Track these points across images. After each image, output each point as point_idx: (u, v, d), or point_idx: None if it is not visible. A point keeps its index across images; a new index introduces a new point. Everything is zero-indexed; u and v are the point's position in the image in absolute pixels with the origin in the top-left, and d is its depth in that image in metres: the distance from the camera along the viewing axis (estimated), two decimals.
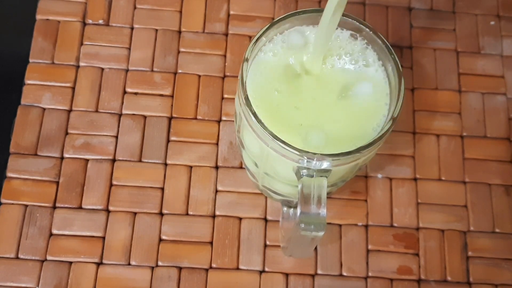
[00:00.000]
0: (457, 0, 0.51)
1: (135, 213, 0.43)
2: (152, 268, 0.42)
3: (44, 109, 0.45)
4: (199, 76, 0.47)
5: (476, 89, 0.48)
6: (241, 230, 0.43)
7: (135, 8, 0.48)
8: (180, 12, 0.49)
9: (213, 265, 0.42)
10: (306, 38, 0.37)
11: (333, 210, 0.44)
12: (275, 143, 0.33)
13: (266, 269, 0.42)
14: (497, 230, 0.44)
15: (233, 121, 0.45)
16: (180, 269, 0.42)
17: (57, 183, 0.43)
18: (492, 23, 0.50)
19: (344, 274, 0.42)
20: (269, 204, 0.44)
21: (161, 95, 0.46)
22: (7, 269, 0.41)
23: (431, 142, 0.46)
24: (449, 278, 0.43)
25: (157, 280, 0.41)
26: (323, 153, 0.32)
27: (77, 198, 0.43)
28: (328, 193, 0.39)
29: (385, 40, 0.36)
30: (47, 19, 0.48)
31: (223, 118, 0.46)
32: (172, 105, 0.46)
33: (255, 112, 0.33)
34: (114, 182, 0.43)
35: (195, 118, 0.46)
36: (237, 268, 0.42)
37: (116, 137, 0.45)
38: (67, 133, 0.45)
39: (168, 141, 0.45)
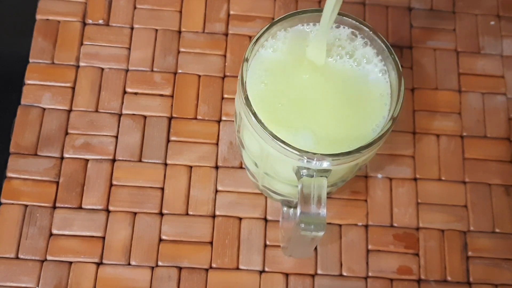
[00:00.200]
0: (457, 0, 0.51)
1: (135, 213, 0.43)
2: (152, 268, 0.42)
3: (44, 109, 0.45)
4: (199, 76, 0.47)
5: (476, 89, 0.48)
6: (241, 230, 0.43)
7: (135, 8, 0.48)
8: (180, 12, 0.49)
9: (213, 265, 0.42)
10: (306, 37, 0.37)
11: (333, 210, 0.44)
12: (275, 143, 0.33)
13: (266, 269, 0.42)
14: (497, 230, 0.44)
15: (233, 121, 0.45)
16: (180, 269, 0.42)
17: (57, 183, 0.43)
18: (492, 23, 0.50)
19: (344, 274, 0.42)
20: (269, 204, 0.44)
21: (161, 95, 0.46)
22: (7, 269, 0.41)
23: (431, 142, 0.46)
24: (449, 278, 0.43)
25: (157, 280, 0.41)
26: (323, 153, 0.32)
27: (77, 198, 0.43)
28: (328, 193, 0.39)
29: (385, 40, 0.36)
30: (47, 19, 0.48)
31: (223, 118, 0.46)
32: (172, 105, 0.46)
33: (255, 112, 0.33)
34: (114, 182, 0.43)
35: (195, 118, 0.46)
36: (237, 268, 0.42)
37: (116, 137, 0.45)
38: (67, 133, 0.45)
39: (168, 141, 0.45)
